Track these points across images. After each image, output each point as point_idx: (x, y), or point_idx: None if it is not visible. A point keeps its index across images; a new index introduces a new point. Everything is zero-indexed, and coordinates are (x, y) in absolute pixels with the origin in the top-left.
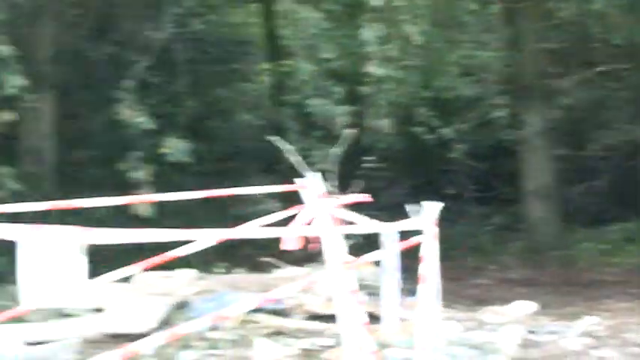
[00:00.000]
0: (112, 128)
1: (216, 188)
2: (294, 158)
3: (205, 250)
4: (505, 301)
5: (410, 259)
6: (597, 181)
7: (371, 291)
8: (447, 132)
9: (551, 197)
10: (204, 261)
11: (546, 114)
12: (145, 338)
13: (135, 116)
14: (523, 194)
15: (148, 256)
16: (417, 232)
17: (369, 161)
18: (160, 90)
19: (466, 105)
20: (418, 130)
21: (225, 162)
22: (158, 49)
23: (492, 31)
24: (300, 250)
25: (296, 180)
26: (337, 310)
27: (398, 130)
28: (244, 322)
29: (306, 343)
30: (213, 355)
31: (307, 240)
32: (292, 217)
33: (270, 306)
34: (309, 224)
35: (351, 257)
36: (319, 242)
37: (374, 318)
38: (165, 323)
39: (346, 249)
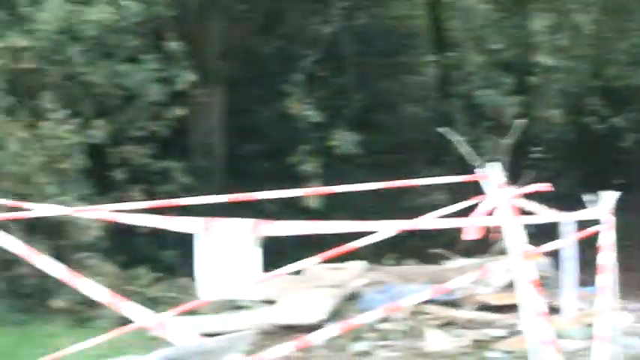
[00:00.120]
0: (281, 122)
1: (382, 180)
2: (464, 149)
3: (375, 242)
4: None
5: (582, 249)
6: None
7: (545, 282)
8: (617, 121)
9: None
10: (373, 253)
11: None
12: (319, 330)
13: (303, 110)
14: None
15: (319, 249)
16: (593, 223)
17: (536, 152)
18: (327, 83)
19: (636, 93)
20: (588, 119)
21: (392, 154)
22: (325, 43)
23: None
24: (476, 240)
25: (476, 170)
26: (517, 300)
27: (567, 120)
28: (415, 313)
29: (478, 334)
30: (384, 346)
31: (488, 230)
32: (469, 208)
33: (442, 297)
34: (490, 214)
35: (531, 247)
36: (500, 232)
37: (551, 309)
38: (336, 315)
39: (526, 239)
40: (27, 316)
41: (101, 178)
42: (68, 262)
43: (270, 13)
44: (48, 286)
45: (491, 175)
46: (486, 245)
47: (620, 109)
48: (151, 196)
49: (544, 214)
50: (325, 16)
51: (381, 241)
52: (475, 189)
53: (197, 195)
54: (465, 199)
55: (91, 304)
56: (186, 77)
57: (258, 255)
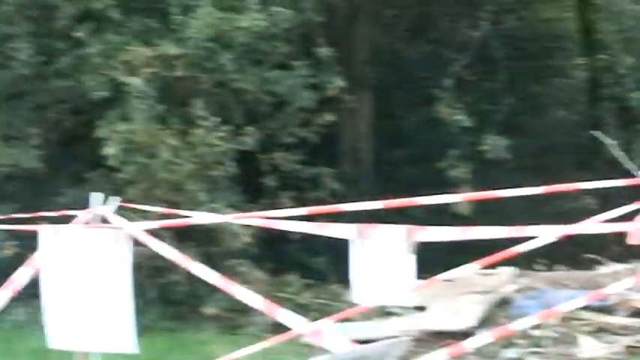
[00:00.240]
0: (429, 127)
1: (530, 184)
2: (617, 153)
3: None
4: None
5: None
6: None
7: None
8: None
9: None
10: (524, 258)
11: None
12: (470, 336)
13: (453, 114)
14: None
15: (471, 255)
16: None
17: None
18: (476, 87)
19: None
20: None
21: (540, 158)
22: (474, 47)
23: None
24: (628, 245)
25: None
26: None
27: None
28: (566, 319)
29: (631, 340)
30: (536, 352)
31: None
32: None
33: (594, 303)
34: None
35: None
36: None
37: None
38: (486, 321)
39: None
40: (178, 323)
41: (250, 185)
42: (219, 269)
43: (418, 17)
44: (199, 293)
45: None
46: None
47: None
48: (301, 203)
49: None
50: (474, 20)
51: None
52: (629, 193)
53: (346, 201)
54: (617, 204)
55: (242, 311)
56: (336, 83)
57: (411, 261)
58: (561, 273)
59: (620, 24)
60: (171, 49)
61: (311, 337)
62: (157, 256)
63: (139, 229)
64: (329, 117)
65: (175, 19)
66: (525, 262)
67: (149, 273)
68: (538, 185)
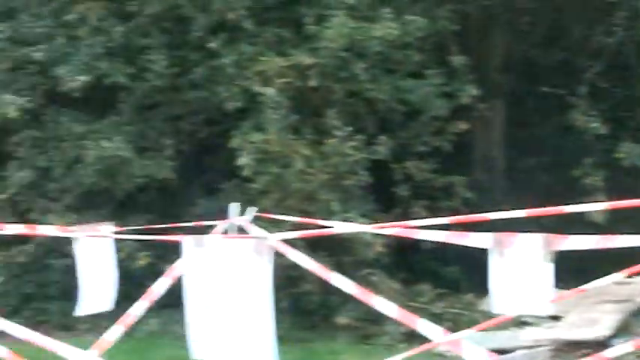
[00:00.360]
0: (562, 135)
1: None
2: None
3: None
4: None
5: None
6: None
7: None
8: None
9: None
10: None
11: None
12: (605, 345)
13: (588, 122)
14: None
15: (605, 264)
16: None
17: None
18: (611, 95)
19: None
20: None
21: None
22: (608, 54)
23: None
24: None
25: None
26: None
27: None
28: None
29: None
30: None
31: None
32: None
33: None
34: None
35: None
36: None
37: None
38: (623, 330)
39: None
40: (310, 333)
41: (383, 195)
42: (351, 278)
43: (552, 25)
44: (331, 303)
45: None
46: None
47: None
48: (433, 212)
49: None
50: (608, 26)
51: None
52: None
53: (479, 211)
54: None
55: (374, 320)
56: (469, 91)
57: (550, 270)
58: None
59: None
60: (304, 59)
61: (449, 347)
62: (290, 266)
63: (278, 238)
64: (462, 125)
65: (309, 29)
66: None
67: (282, 283)
68: None
